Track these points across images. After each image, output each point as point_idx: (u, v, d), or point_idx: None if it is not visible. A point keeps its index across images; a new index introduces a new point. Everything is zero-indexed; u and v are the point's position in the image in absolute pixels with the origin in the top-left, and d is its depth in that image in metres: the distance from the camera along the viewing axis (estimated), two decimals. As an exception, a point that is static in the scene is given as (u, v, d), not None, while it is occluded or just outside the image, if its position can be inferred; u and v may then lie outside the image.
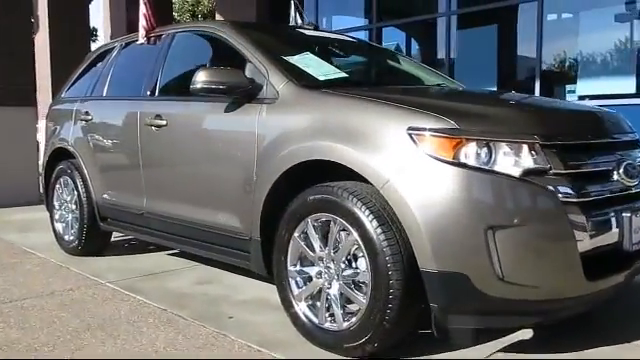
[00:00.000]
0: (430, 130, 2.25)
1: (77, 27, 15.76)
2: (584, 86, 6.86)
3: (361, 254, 2.43)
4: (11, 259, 4.45)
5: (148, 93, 3.73)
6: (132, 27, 13.66)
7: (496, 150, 2.23)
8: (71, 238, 4.50)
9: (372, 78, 3.41)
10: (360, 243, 2.38)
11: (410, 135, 2.28)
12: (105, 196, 4.13)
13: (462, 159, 2.21)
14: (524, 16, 7.59)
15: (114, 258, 4.45)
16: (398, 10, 9.15)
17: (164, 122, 3.45)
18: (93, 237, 4.37)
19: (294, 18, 4.27)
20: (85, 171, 4.26)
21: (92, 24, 17.88)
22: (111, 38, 13.90)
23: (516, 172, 2.21)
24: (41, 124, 8.10)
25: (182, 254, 4.37)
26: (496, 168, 2.21)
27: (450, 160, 2.21)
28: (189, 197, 3.32)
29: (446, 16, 8.01)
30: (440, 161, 2.21)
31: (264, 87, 2.92)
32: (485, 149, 2.22)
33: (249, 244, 2.95)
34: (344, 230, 2.48)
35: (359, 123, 2.43)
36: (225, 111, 3.04)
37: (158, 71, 3.70)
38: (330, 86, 2.86)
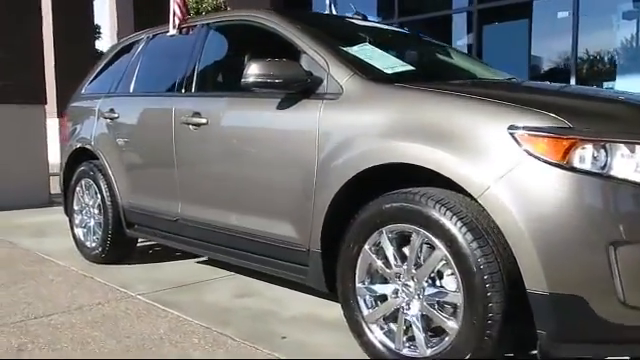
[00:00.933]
0: (538, 129, 1.95)
1: (81, 23, 15.50)
2: (622, 82, 6.57)
3: (449, 271, 2.13)
4: (30, 267, 4.14)
5: (183, 89, 3.41)
6: (141, 21, 13.33)
7: (613, 153, 1.92)
8: (93, 245, 4.19)
9: (438, 72, 3.11)
10: (450, 259, 2.08)
11: (512, 135, 1.97)
12: (132, 200, 3.82)
13: (576, 163, 1.91)
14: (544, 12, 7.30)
15: (140, 266, 4.14)
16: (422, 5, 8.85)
17: (204, 120, 3.13)
18: (118, 244, 4.06)
19: (328, 7, 3.98)
20: (110, 173, 3.94)
21: (96, 21, 17.57)
22: (118, 35, 13.61)
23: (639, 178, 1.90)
24: (48, 122, 7.80)
25: (213, 262, 4.06)
26: (614, 173, 1.91)
27: (563, 164, 1.90)
28: (234, 203, 3.01)
29: (466, 11, 7.72)
30: (551, 165, 1.91)
31: (324, 81, 2.61)
32: (602, 151, 1.92)
33: (306, 256, 2.64)
34: (428, 244, 2.18)
35: (448, 121, 2.12)
36: (278, 108, 2.73)
37: (194, 65, 3.39)
38: (400, 80, 2.55)
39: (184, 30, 3.67)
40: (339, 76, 2.56)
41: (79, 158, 4.35)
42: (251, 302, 3.33)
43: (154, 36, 4.01)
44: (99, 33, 22.26)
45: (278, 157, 2.74)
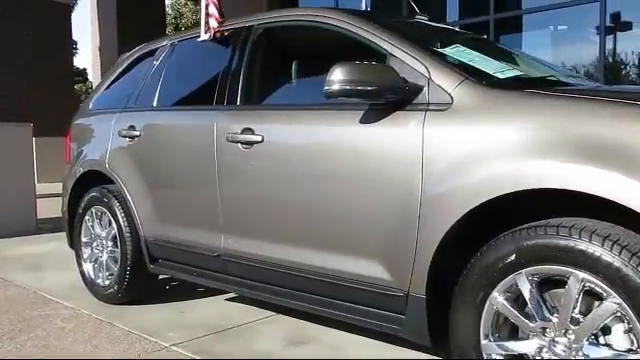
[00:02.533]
0: None
1: (57, 40, 14.84)
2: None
3: (621, 326, 1.67)
4: (33, 311, 3.56)
5: (226, 101, 2.91)
6: (124, 35, 12.73)
7: None
8: (107, 282, 3.63)
9: (537, 77, 2.66)
10: (628, 312, 1.63)
11: None
12: (158, 231, 3.28)
13: None
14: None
15: (163, 307, 3.59)
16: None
17: (257, 137, 2.64)
18: (137, 282, 3.52)
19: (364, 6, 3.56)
20: (129, 200, 3.40)
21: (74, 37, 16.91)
22: (100, 47, 12.99)
23: None
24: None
25: (246, 300, 3.53)
26: None
27: None
28: (302, 237, 2.50)
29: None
30: None
31: (424, 89, 2.14)
32: None
33: (403, 302, 2.16)
34: (589, 292, 1.72)
35: (620, 135, 1.68)
36: (362, 122, 2.25)
37: (239, 73, 2.89)
38: (513, 86, 2.11)
39: (217, 34, 3.18)
40: (446, 83, 2.10)
41: (88, 182, 3.80)
42: (309, 350, 2.82)
43: (179, 42, 3.50)
44: (76, 49, 21.55)
45: (363, 182, 2.25)
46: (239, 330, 3.12)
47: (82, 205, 3.79)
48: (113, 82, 3.94)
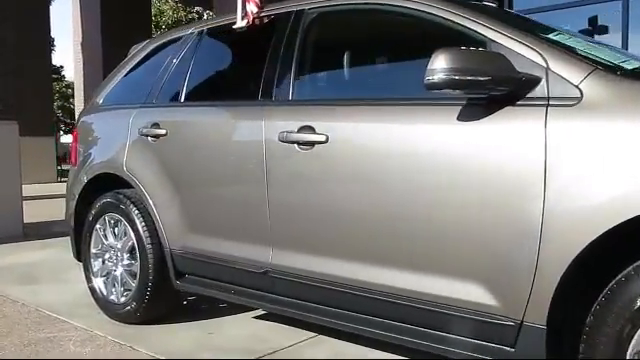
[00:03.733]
0: None
1: (35, 37, 14.22)
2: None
3: None
4: (39, 333, 3.13)
5: (274, 96, 2.55)
6: (109, 29, 12.19)
7: None
8: (122, 299, 3.22)
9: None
10: None
11: None
12: (186, 243, 2.89)
13: None
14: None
15: (185, 327, 3.20)
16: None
17: (321, 137, 2.28)
18: (159, 299, 3.12)
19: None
20: (152, 206, 3.01)
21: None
22: (83, 43, 12.44)
23: None
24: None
25: (275, 318, 3.16)
26: None
27: None
28: (376, 253, 2.15)
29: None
30: None
31: (542, 81, 1.82)
32: None
33: (514, 333, 1.82)
34: None
35: None
36: (460, 119, 1.91)
37: (289, 64, 2.52)
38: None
39: (257, 20, 2.81)
40: (571, 74, 1.77)
41: (99, 186, 3.39)
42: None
43: (209, 30, 3.11)
44: (53, 46, 20.82)
45: (460, 191, 1.91)
46: (284, 354, 2.76)
47: (92, 212, 3.37)
48: (127, 75, 3.52)
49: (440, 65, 1.78)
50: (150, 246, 3.05)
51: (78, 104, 12.87)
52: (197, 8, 26.10)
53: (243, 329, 3.15)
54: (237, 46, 3.00)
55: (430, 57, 1.83)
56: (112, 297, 3.30)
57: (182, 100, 3.02)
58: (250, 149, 2.54)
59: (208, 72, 3.04)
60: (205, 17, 27.90)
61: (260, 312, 3.35)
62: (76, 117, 12.54)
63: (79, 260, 3.61)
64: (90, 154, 3.49)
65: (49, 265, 4.88)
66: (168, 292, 3.11)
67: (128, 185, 3.22)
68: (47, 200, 10.46)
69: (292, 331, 3.06)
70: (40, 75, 14.75)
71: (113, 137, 3.31)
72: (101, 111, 3.56)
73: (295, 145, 2.37)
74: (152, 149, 3.04)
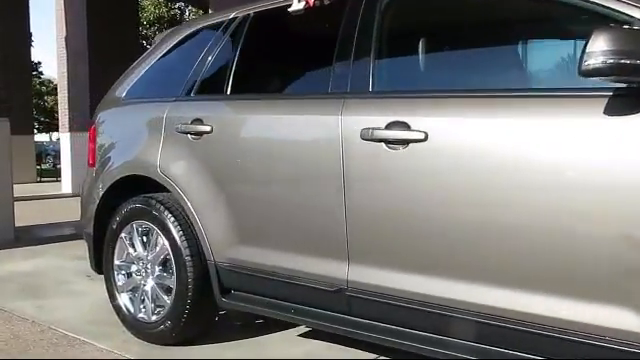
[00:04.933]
0: None
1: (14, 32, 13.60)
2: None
3: None
4: (56, 355, 2.75)
5: (349, 87, 2.21)
6: (95, 23, 11.65)
7: None
8: (154, 318, 2.85)
9: None
10: None
11: None
12: (236, 255, 2.54)
13: None
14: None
15: (228, 347, 2.84)
16: None
17: (418, 135, 1.95)
18: (199, 317, 2.76)
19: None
20: (193, 213, 2.65)
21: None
22: (67, 37, 11.87)
23: None
24: None
25: (326, 336, 2.81)
26: None
27: None
28: (491, 269, 1.83)
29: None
30: None
31: None
32: None
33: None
34: None
35: None
36: (609, 112, 1.61)
37: (366, 52, 2.18)
38: None
39: (316, 3, 2.47)
40: None
41: (124, 190, 3.02)
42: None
43: (256, 14, 2.76)
44: (31, 41, 20.05)
45: (616, 195, 1.61)
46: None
47: (117, 219, 2.99)
48: (155, 66, 3.14)
49: (601, 47, 1.47)
50: (189, 258, 2.69)
51: (61, 101, 12.30)
52: (179, 4, 25.56)
53: (294, 348, 2.82)
54: (294, 31, 2.64)
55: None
56: (141, 315, 2.93)
57: (228, 93, 2.66)
58: (322, 148, 2.21)
59: (260, 61, 2.70)
60: (187, 14, 27.35)
61: (302, 329, 3.01)
62: (64, 115, 12.02)
63: (98, 272, 3.23)
64: (113, 154, 3.11)
65: (52, 274, 4.47)
66: (209, 310, 2.76)
67: (160, 188, 2.86)
68: (31, 202, 9.96)
69: (348, 351, 2.73)
70: (20, 71, 14.15)
71: (142, 135, 2.94)
72: (124, 106, 3.18)
73: (382, 144, 2.04)
74: (193, 148, 2.68)
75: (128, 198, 2.99)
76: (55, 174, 16.40)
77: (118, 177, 3.00)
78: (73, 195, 11.43)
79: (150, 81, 3.14)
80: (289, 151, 2.34)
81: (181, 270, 2.71)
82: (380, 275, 2.10)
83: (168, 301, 2.79)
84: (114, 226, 3.01)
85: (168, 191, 2.83)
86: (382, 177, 2.06)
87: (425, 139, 1.94)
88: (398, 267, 2.05)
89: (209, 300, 2.71)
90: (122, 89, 3.25)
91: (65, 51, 12.00)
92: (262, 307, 2.53)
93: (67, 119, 11.97)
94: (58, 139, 33.15)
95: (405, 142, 1.99)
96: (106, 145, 3.19)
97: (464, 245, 1.89)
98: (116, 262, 3.04)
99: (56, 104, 37.73)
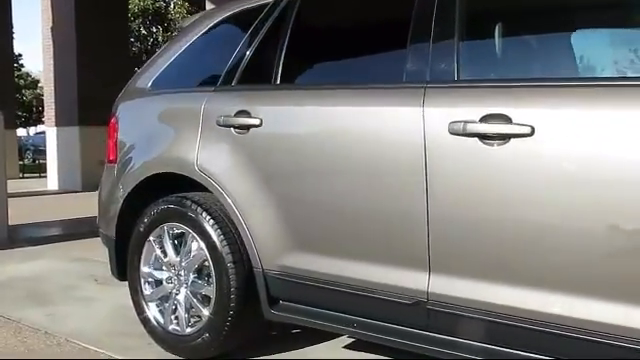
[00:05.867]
0: None
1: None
2: None
3: None
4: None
5: (428, 74, 1.97)
6: (84, 14, 11.20)
7: None
8: (189, 330, 2.58)
9: None
10: None
11: None
12: (289, 262, 2.28)
13: None
14: None
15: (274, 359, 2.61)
16: None
17: (522, 129, 1.71)
18: (241, 329, 2.50)
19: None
20: (238, 215, 2.38)
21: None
22: (53, 28, 11.43)
23: None
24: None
25: (372, 348, 2.58)
26: None
27: None
28: (612, 282, 1.62)
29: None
30: None
31: None
32: None
33: None
34: None
35: None
36: None
37: (450, 34, 1.94)
38: None
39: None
40: None
41: (153, 189, 2.74)
42: None
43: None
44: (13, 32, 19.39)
45: None
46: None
47: (145, 221, 2.71)
48: (185, 53, 2.84)
49: None
50: (232, 265, 2.42)
51: (47, 94, 11.85)
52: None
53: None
54: (356, 10, 2.38)
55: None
56: (173, 327, 2.65)
57: (278, 82, 2.40)
58: (399, 144, 1.96)
59: (315, 46, 2.43)
60: (172, 7, 26.81)
61: (345, 340, 2.77)
62: (50, 109, 11.56)
63: (121, 279, 2.94)
64: (139, 149, 2.83)
65: (56, 279, 4.16)
66: (253, 321, 2.50)
67: (194, 187, 2.59)
68: (17, 199, 9.54)
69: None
70: (1, 63, 13.66)
71: (176, 129, 2.67)
72: (151, 97, 2.90)
73: (476, 139, 1.80)
74: (238, 143, 2.41)
75: (152, 198, 2.72)
76: (38, 170, 15.89)
77: (146, 175, 2.72)
78: (60, 192, 11.04)
79: (180, 70, 2.85)
80: (357, 147, 2.08)
81: (222, 278, 2.44)
82: (468, 286, 1.87)
83: (206, 312, 2.52)
84: (141, 229, 2.73)
85: (204, 190, 2.57)
86: (475, 176, 1.82)
87: (531, 134, 1.71)
88: (494, 278, 1.82)
89: (254, 311, 2.45)
90: (146, 79, 2.96)
91: (51, 43, 11.56)
92: (317, 319, 2.28)
93: (53, 113, 11.54)
94: (36, 133, 32.34)
95: (505, 137, 1.75)
96: (130, 140, 2.90)
97: (579, 257, 1.66)
98: (143, 269, 2.76)
99: (35, 98, 36.88)
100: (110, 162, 2.99)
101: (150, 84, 2.92)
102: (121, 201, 2.84)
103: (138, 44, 24.24)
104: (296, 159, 2.25)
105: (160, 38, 25.76)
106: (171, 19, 26.17)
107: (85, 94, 10.83)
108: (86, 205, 8.78)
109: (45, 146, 18.65)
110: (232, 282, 2.42)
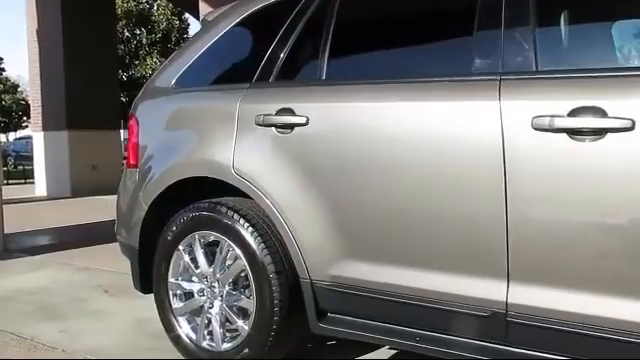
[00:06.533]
0: None
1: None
2: None
3: None
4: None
5: (501, 65, 1.81)
6: (70, 12, 10.88)
7: None
8: (226, 346, 2.39)
9: None
10: None
11: None
12: (342, 271, 2.10)
13: None
14: None
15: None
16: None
17: (622, 123, 1.56)
18: (285, 343, 2.32)
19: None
20: (282, 222, 2.20)
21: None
22: (39, 30, 11.10)
23: None
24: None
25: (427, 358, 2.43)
26: None
27: None
28: None
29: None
30: None
31: None
32: None
33: None
34: None
35: None
36: None
37: (525, 19, 1.79)
38: None
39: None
40: None
41: (179, 194, 2.55)
42: None
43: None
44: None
45: None
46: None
47: (173, 229, 2.51)
48: (211, 48, 2.65)
49: None
50: (274, 275, 2.24)
51: (33, 97, 11.52)
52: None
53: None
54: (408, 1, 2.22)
55: None
56: (207, 343, 2.46)
57: (323, 77, 2.22)
58: (472, 142, 1.80)
59: (365, 37, 2.24)
60: (156, 8, 26.42)
61: (388, 350, 2.61)
62: (36, 113, 11.22)
63: (144, 292, 2.74)
64: (164, 152, 2.62)
65: (63, 290, 3.93)
66: (298, 334, 2.33)
67: (226, 192, 2.41)
68: (6, 206, 9.22)
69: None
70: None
71: (207, 129, 2.47)
72: (176, 95, 2.70)
73: (565, 135, 1.64)
74: (280, 143, 2.23)
75: (174, 204, 2.53)
76: (23, 176, 15.50)
77: (174, 180, 2.53)
78: (49, 198, 10.72)
79: (207, 66, 2.66)
80: (421, 147, 1.91)
81: (263, 290, 2.26)
82: (554, 296, 1.71)
83: (245, 326, 2.33)
84: (169, 237, 2.53)
85: (239, 195, 2.39)
86: (563, 175, 1.67)
87: (631, 128, 1.56)
88: (581, 287, 1.66)
89: (299, 324, 2.27)
90: (169, 76, 2.76)
91: (37, 45, 11.24)
92: (373, 333, 2.10)
93: (40, 117, 11.21)
94: (16, 139, 31.67)
95: (600, 132, 1.60)
96: (153, 142, 2.70)
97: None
98: (171, 280, 2.56)
99: (14, 103, 36.16)
100: (131, 166, 2.79)
101: (174, 82, 2.72)
102: (146, 208, 2.64)
103: (122, 47, 23.84)
104: (350, 160, 2.06)
105: (144, 40, 25.41)
106: (155, 21, 25.85)
107: (73, 97, 10.54)
108: (78, 211, 8.58)
109: (27, 152, 18.30)
110: (275, 294, 2.24)
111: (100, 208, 8.82)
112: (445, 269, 1.89)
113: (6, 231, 5.76)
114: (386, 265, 2.02)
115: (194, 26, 27.48)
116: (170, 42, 26.29)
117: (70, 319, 3.30)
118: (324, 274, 2.15)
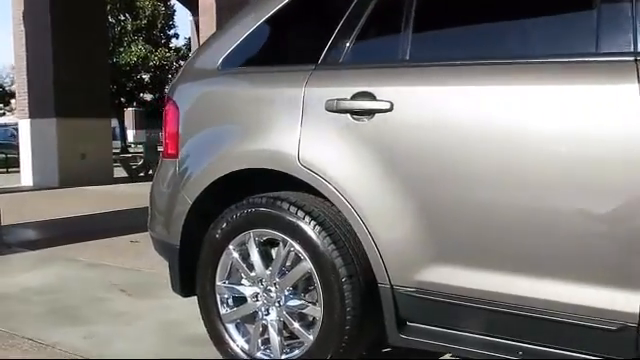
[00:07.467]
0: None
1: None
2: None
3: None
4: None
5: (633, 45, 1.58)
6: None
7: None
8: (285, 357, 2.15)
9: None
10: None
11: None
12: (431, 276, 1.86)
13: None
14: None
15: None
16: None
17: None
18: (354, 354, 2.09)
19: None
20: (359, 221, 1.95)
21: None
22: (25, 14, 10.63)
23: None
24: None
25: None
26: None
27: None
28: None
29: None
30: None
31: None
32: None
33: None
34: None
35: None
36: None
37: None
38: None
39: None
40: None
41: (228, 189, 2.29)
42: None
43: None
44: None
45: None
46: None
47: (222, 227, 2.24)
48: (265, 24, 2.37)
49: None
50: (347, 280, 1.99)
51: (20, 84, 11.06)
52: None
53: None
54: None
55: None
56: (261, 354, 2.21)
57: (407, 57, 1.97)
58: (604, 133, 1.57)
59: (458, 9, 1.99)
60: (147, 4, 25.75)
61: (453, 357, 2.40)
62: (22, 100, 10.77)
63: (187, 295, 2.48)
64: (210, 141, 2.35)
65: (75, 289, 3.64)
66: (371, 343, 2.09)
67: (284, 185, 2.16)
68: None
69: None
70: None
71: (266, 115, 2.20)
72: (223, 77, 2.42)
73: None
74: (356, 132, 1.97)
75: (222, 199, 2.28)
76: (5, 164, 14.98)
77: (225, 172, 2.25)
78: (36, 188, 10.30)
79: (260, 45, 2.39)
80: (538, 137, 1.67)
81: (332, 295, 2.01)
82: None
83: (310, 336, 2.09)
84: (217, 236, 2.27)
85: (302, 189, 2.14)
86: None
87: None
88: None
89: (374, 334, 2.04)
90: (213, 56, 2.47)
91: (23, 29, 10.78)
92: (465, 346, 1.87)
93: (26, 104, 10.77)
94: (-1, 126, 30.96)
95: None
96: (196, 130, 2.42)
97: None
98: (219, 284, 2.30)
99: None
100: (169, 156, 2.51)
101: (220, 63, 2.44)
102: (190, 203, 2.36)
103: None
104: (445, 152, 1.82)
105: (129, 27, 24.77)
106: (140, 7, 25.21)
107: (62, 83, 10.12)
108: (71, 203, 8.21)
109: (7, 140, 17.72)
110: (347, 300, 1.99)
111: (93, 199, 8.50)
112: (560, 276, 1.66)
113: (1, 222, 5.44)
114: (488, 271, 1.78)
115: (180, 12, 26.92)
116: (155, 29, 25.71)
117: (91, 323, 3.02)
118: (409, 279, 1.91)
